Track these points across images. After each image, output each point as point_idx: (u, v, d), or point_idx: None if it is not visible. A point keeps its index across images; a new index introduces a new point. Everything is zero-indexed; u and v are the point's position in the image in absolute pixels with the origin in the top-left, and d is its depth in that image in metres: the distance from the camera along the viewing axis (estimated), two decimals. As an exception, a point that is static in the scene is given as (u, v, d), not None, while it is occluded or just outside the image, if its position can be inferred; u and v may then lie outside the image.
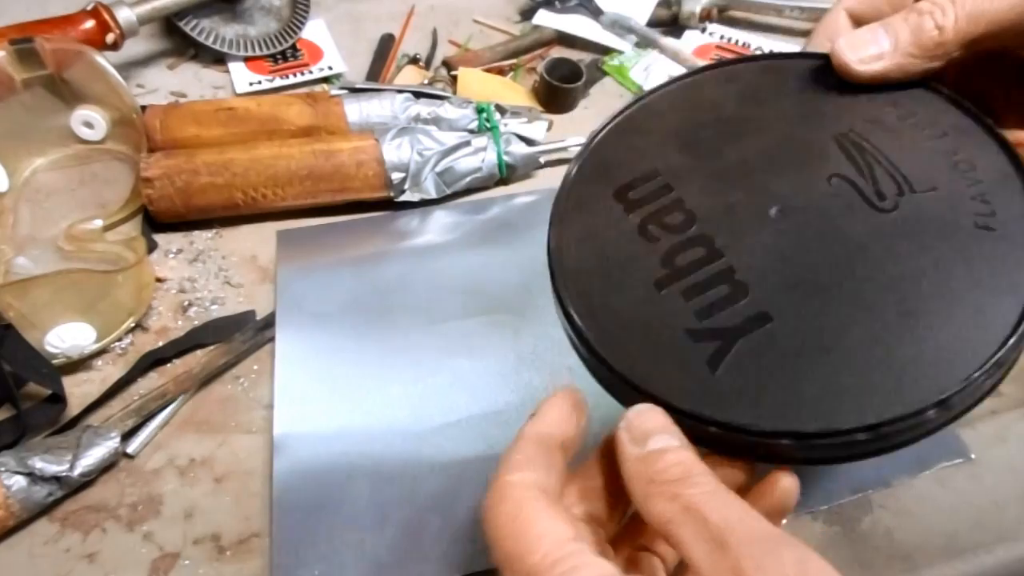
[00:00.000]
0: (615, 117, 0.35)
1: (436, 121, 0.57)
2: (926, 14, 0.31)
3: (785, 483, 0.27)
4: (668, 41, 0.68)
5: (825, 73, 0.33)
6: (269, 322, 0.48)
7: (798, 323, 0.27)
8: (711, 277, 0.29)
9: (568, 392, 0.29)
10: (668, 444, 0.25)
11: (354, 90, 0.59)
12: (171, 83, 0.65)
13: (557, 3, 0.71)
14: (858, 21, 0.35)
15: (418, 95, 0.58)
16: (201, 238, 0.54)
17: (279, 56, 0.67)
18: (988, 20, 0.30)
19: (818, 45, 0.35)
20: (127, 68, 0.65)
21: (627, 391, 0.28)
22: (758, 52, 0.36)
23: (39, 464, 0.39)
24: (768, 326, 0.27)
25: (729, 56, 0.69)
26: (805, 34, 0.72)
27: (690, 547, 0.22)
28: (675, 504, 0.23)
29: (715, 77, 0.36)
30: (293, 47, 0.68)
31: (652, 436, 0.25)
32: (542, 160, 0.58)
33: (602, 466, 0.28)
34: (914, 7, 0.32)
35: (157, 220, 0.53)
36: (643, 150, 0.34)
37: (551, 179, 0.58)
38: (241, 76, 0.65)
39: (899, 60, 0.31)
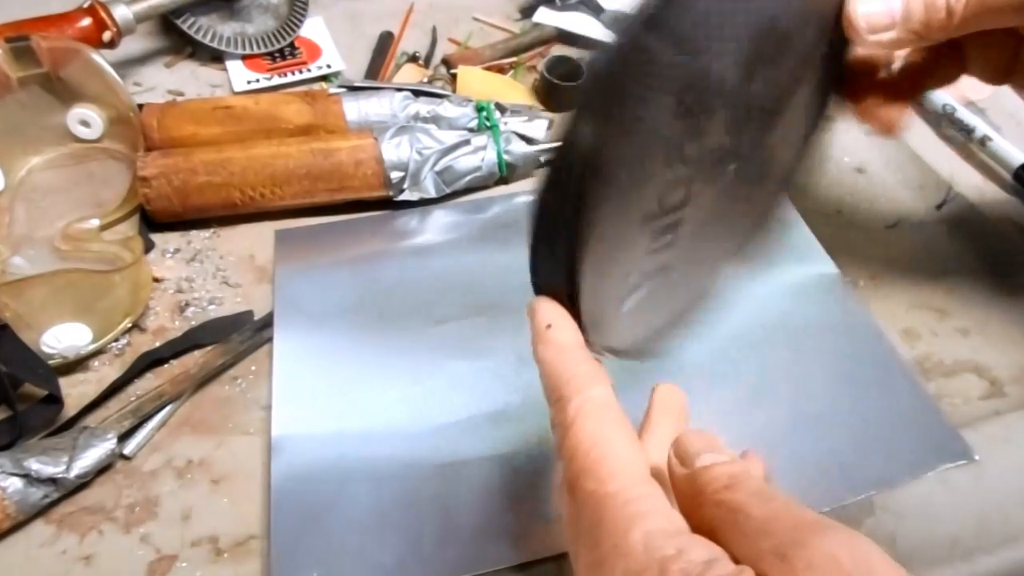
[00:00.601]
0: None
1: (435, 120, 0.57)
2: None
3: None
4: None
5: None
6: (267, 322, 0.48)
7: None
8: (672, 223, 0.31)
9: (550, 299, 0.29)
10: (715, 460, 0.25)
11: (353, 88, 0.59)
12: (168, 81, 0.65)
13: (558, 1, 0.71)
14: None
15: (417, 93, 0.58)
16: (199, 238, 0.54)
17: (277, 54, 0.67)
18: (991, 4, 0.31)
19: None
20: (124, 66, 0.65)
21: (561, 294, 0.29)
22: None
23: (35, 466, 0.39)
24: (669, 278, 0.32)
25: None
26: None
27: (736, 545, 0.22)
28: (721, 509, 0.23)
29: None
30: (291, 45, 0.68)
31: (699, 456, 0.25)
32: (543, 159, 0.58)
33: None
34: None
35: (154, 219, 0.53)
36: (699, 49, 0.29)
37: (551, 178, 0.58)
38: (239, 74, 0.65)
39: (905, 36, 0.32)
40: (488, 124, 0.57)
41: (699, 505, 0.24)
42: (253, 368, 0.47)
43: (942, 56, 0.37)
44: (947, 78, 0.39)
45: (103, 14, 0.58)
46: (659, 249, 0.31)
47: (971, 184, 0.58)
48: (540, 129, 0.58)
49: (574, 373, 0.27)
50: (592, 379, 0.27)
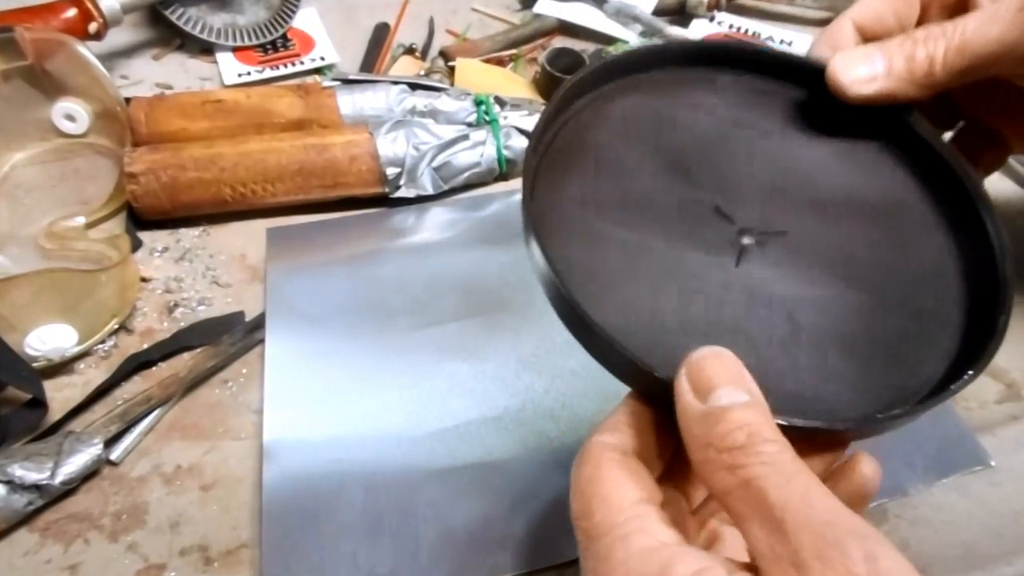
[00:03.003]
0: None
1: (433, 114, 0.57)
2: (919, 43, 0.33)
3: (865, 468, 0.27)
4: (674, 30, 0.69)
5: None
6: (258, 323, 0.48)
7: None
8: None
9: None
10: (734, 401, 0.23)
11: (347, 81, 0.59)
12: (156, 74, 0.65)
13: (559, -9, 0.71)
14: (864, 34, 0.37)
15: (414, 87, 0.59)
16: (188, 236, 0.54)
17: (269, 46, 0.67)
18: (973, 53, 0.33)
19: (820, 54, 0.36)
20: (110, 59, 0.65)
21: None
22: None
23: (19, 472, 0.39)
24: None
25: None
26: (817, 23, 0.72)
27: (747, 527, 0.22)
28: (734, 477, 0.22)
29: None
30: (283, 37, 0.68)
31: (717, 389, 0.23)
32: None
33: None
34: (910, 34, 0.33)
35: (142, 217, 0.53)
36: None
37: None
38: (229, 67, 0.65)
39: (890, 85, 0.33)
40: (487, 118, 0.57)
41: (710, 462, 0.23)
42: (244, 371, 0.47)
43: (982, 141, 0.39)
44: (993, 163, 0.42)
45: (89, 5, 0.58)
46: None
47: (986, 181, 0.58)
48: (541, 123, 0.58)
49: (604, 419, 0.27)
50: (610, 427, 0.27)
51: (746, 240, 0.32)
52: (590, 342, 0.28)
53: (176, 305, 0.50)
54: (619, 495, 0.24)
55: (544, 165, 0.33)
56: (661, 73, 0.36)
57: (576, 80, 0.34)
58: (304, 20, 0.69)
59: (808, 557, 0.20)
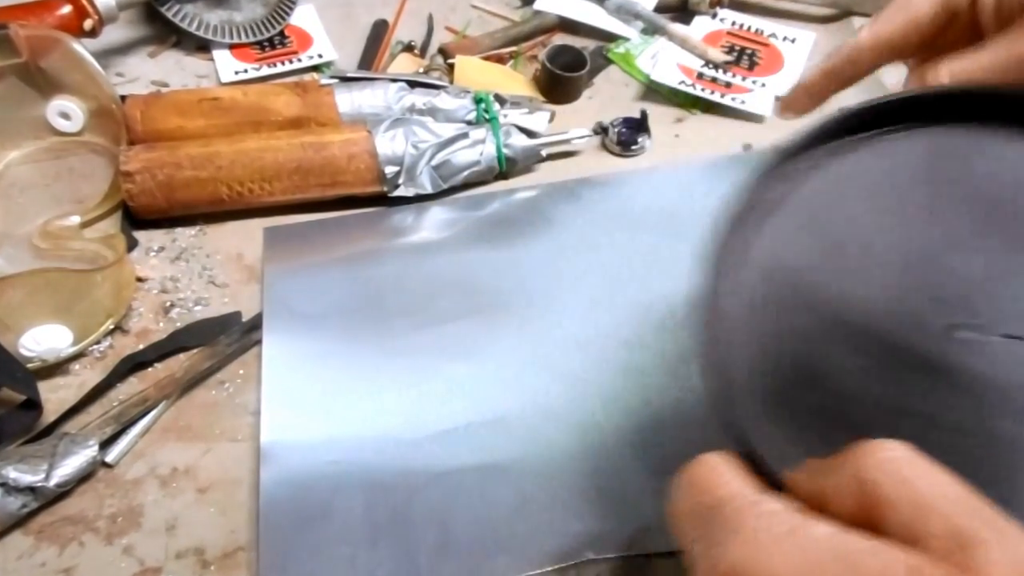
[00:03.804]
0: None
1: (432, 112, 0.57)
2: None
3: None
4: (677, 27, 0.68)
5: None
6: (256, 324, 0.48)
7: None
8: None
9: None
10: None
11: (345, 79, 0.59)
12: (152, 72, 0.65)
13: (559, -13, 0.71)
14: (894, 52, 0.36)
15: (413, 84, 0.58)
16: (184, 235, 0.54)
17: (266, 43, 0.67)
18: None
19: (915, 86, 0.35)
20: (106, 56, 0.65)
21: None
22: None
23: (13, 474, 0.39)
24: None
25: (746, 44, 0.69)
26: (820, 20, 0.72)
27: (890, 512, 0.21)
28: (871, 484, 0.22)
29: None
30: (281, 34, 0.68)
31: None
32: (544, 153, 0.58)
33: None
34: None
35: (137, 216, 0.53)
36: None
37: (553, 173, 0.58)
38: (226, 64, 0.65)
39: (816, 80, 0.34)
40: (487, 116, 0.57)
41: (844, 486, 0.22)
42: (241, 372, 0.47)
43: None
44: None
45: (84, 1, 0.58)
46: None
47: None
48: (541, 122, 0.58)
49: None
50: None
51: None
52: None
53: (172, 305, 0.50)
54: (740, 480, 0.25)
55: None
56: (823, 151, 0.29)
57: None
58: (302, 17, 0.69)
59: (977, 532, 0.19)
